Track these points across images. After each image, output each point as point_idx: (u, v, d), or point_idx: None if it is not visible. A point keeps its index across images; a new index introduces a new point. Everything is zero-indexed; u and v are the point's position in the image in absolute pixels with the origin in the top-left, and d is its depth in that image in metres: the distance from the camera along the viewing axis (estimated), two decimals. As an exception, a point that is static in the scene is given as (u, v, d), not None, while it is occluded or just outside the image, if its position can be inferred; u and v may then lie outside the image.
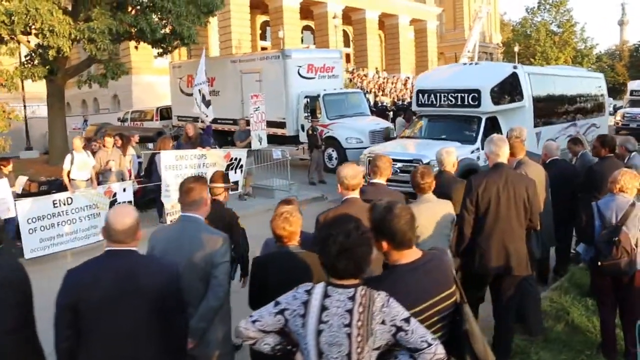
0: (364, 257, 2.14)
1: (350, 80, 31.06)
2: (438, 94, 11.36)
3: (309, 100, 16.45)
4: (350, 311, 2.08)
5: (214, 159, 9.99)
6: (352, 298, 2.11)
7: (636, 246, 4.46)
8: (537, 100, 11.61)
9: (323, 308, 2.10)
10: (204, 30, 33.06)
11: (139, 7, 15.59)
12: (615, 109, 27.17)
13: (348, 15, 41.63)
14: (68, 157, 9.57)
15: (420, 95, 11.82)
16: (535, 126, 11.48)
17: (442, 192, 4.38)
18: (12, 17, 11.32)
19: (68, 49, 12.23)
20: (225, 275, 3.22)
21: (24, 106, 20.82)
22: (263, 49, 36.76)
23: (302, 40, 39.82)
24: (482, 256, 4.34)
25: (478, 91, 10.67)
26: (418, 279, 2.39)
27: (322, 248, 2.16)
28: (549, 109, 12.56)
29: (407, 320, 2.13)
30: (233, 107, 18.30)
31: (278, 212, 3.22)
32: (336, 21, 34.46)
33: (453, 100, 11.02)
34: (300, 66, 17.24)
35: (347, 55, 44.12)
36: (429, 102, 11.54)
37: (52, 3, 12.17)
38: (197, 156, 9.73)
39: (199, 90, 12.98)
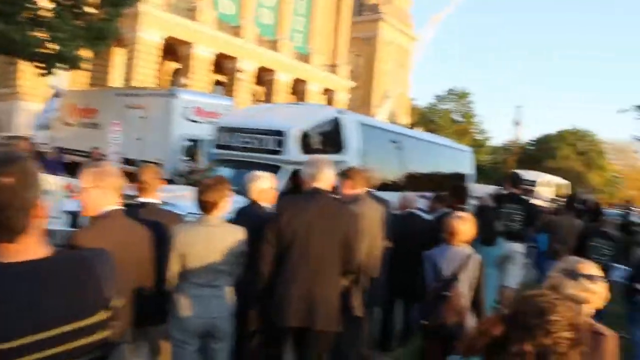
0: None
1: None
2: (237, 134, 9.23)
3: (189, 143, 15.39)
4: None
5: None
6: None
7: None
8: (368, 158, 9.38)
9: None
10: (105, 61, 31.88)
11: (23, 20, 14.19)
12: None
13: (261, 76, 41.58)
14: None
15: (220, 134, 9.60)
16: None
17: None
18: None
19: None
20: None
21: None
22: (168, 95, 35.61)
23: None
24: (280, 302, 3.37)
25: (281, 133, 8.58)
26: (17, 294, 1.22)
27: None
28: (388, 172, 10.46)
29: None
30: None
31: None
32: (241, 75, 34.20)
33: (253, 143, 8.94)
34: (187, 108, 16.26)
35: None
36: (227, 144, 9.35)
37: None
38: None
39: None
